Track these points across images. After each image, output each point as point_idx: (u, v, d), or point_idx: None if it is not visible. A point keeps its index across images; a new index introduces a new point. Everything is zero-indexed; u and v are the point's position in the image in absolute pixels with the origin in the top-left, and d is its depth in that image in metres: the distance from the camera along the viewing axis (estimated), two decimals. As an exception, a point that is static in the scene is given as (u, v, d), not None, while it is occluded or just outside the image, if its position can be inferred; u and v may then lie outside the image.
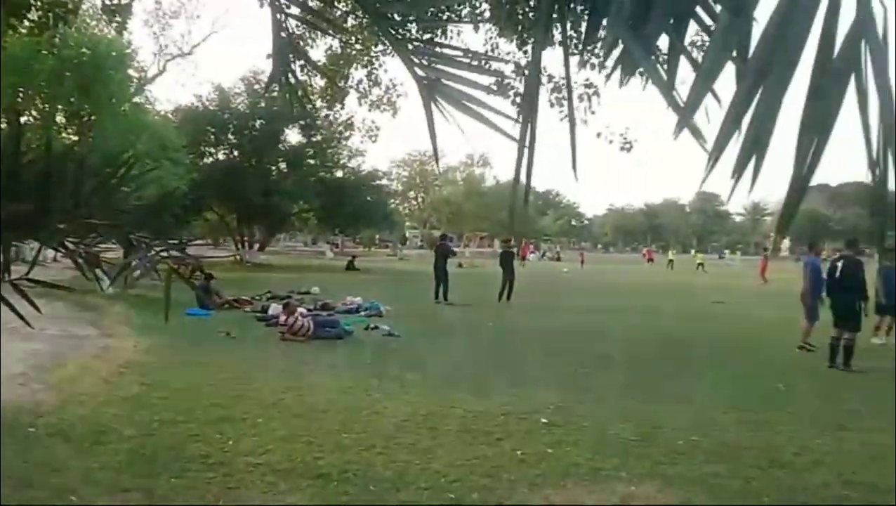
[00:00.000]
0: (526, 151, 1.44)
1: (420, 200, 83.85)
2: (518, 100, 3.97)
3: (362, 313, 14.05)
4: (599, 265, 52.21)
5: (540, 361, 9.69)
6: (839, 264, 10.21)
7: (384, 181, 46.17)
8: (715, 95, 1.14)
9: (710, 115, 1.16)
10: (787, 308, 14.02)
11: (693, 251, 51.15)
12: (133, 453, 5.05)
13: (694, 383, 8.40)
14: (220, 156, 34.61)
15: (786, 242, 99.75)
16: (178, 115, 32.51)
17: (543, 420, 6.25)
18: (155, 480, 4.56)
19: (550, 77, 6.06)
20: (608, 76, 1.74)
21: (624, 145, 6.64)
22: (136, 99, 25.22)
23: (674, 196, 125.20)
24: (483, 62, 2.72)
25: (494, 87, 3.31)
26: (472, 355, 10.02)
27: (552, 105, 5.95)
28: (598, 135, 6.41)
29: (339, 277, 27.45)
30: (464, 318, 14.73)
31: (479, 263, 39.60)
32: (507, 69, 4.85)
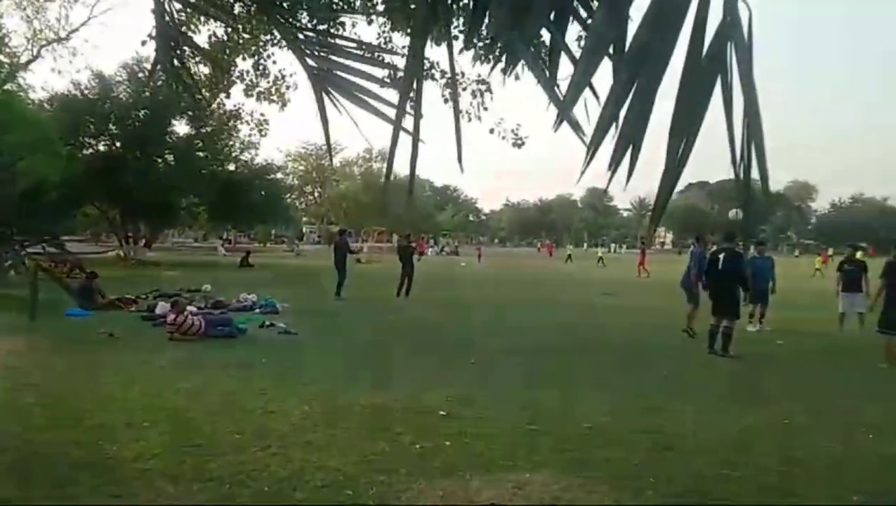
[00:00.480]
0: (392, 146, 1.43)
1: (317, 194, 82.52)
2: (413, 94, 3.95)
3: (257, 311, 13.68)
4: (496, 259, 53.21)
5: (439, 354, 9.76)
6: (720, 256, 10.83)
7: (279, 175, 45.08)
8: (593, 91, 1.17)
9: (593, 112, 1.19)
10: (672, 297, 14.81)
11: (598, 246, 53.52)
12: (8, 463, 4.71)
13: (588, 372, 8.72)
14: (101, 147, 32.62)
15: (669, 237, 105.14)
16: (54, 104, 30.44)
17: (442, 413, 6.30)
18: (34, 490, 4.27)
19: (444, 73, 6.11)
20: (491, 69, 1.76)
21: (516, 141, 6.77)
22: (8, 86, 23.39)
23: (566, 192, 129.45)
24: (376, 55, 2.70)
25: (388, 80, 3.29)
26: (370, 351, 9.97)
27: (446, 101, 6.00)
28: (491, 131, 6.51)
29: (233, 274, 26.62)
30: (363, 313, 14.62)
31: (379, 259, 39.43)
32: (401, 62, 4.84)
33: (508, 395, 7.18)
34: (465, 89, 6.02)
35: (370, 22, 4.54)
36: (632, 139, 1.01)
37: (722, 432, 6.03)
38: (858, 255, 16.05)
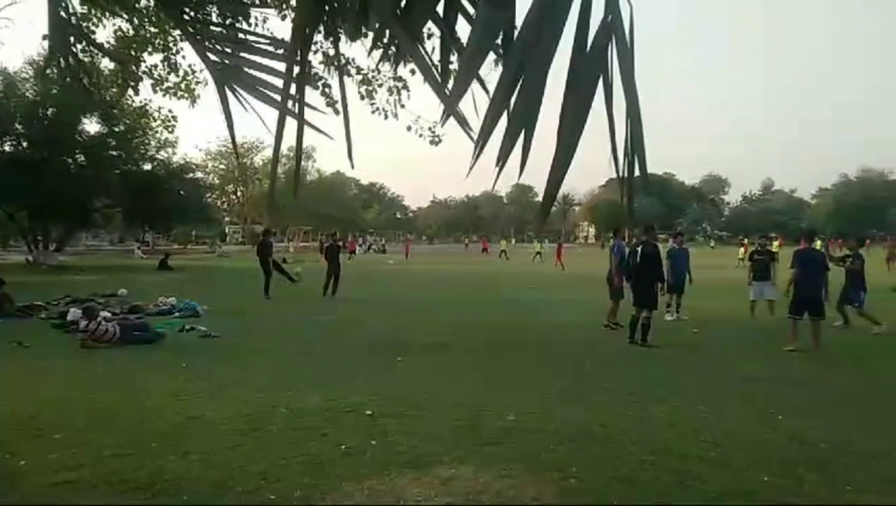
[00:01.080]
0: (292, 140, 1.41)
1: (240, 194, 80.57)
2: (328, 91, 3.92)
3: (176, 315, 13.26)
4: (425, 256, 53.29)
5: (365, 353, 9.71)
6: (639, 249, 11.15)
7: (198, 174, 43.74)
8: (483, 85, 1.18)
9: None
10: (594, 291, 15.18)
11: (537, 241, 54.66)
12: None
13: (512, 368, 8.84)
14: (7, 148, 30.89)
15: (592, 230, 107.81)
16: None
17: (368, 412, 6.27)
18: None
19: (359, 69, 6.02)
20: (378, 62, 1.75)
21: (433, 139, 6.78)
22: None
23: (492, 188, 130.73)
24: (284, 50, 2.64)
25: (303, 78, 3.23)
26: (296, 352, 9.81)
27: (362, 98, 5.91)
28: (409, 128, 6.50)
29: (151, 277, 25.71)
30: (289, 314, 14.38)
31: (305, 258, 38.87)
32: (316, 59, 4.76)
33: (434, 392, 7.21)
34: (381, 86, 5.98)
35: (284, 18, 4.45)
36: (518, 134, 1.02)
37: (642, 421, 6.22)
38: (818, 244, 16.81)
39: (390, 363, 8.87)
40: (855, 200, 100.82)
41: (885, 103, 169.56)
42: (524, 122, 1.02)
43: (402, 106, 5.95)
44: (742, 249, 42.35)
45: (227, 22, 2.87)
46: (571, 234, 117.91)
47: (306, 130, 1.82)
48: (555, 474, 4.79)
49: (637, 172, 1.09)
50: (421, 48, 1.24)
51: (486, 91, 1.21)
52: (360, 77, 5.95)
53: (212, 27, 2.00)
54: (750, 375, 8.39)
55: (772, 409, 6.63)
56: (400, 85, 5.70)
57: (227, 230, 79.93)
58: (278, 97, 1.78)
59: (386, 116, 6.13)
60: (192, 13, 2.20)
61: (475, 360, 9.33)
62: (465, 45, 1.29)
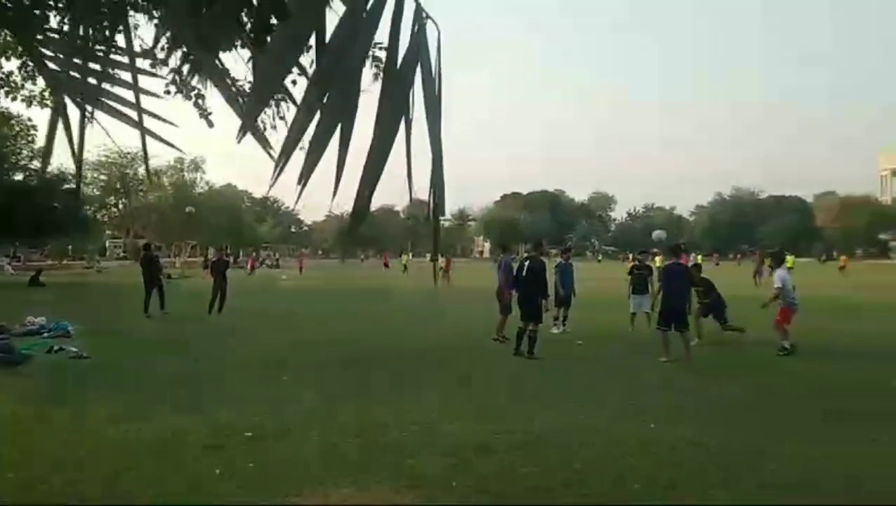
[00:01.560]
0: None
1: (122, 206, 76.52)
2: (200, 102, 3.80)
3: (45, 335, 12.39)
4: (320, 271, 52.43)
5: (249, 371, 9.42)
6: (526, 264, 11.41)
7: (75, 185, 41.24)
8: (292, 100, 1.17)
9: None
10: (484, 302, 15.43)
11: (402, 255, 55.00)
12: None
13: (396, 382, 8.81)
14: None
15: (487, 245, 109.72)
16: None
17: (248, 434, 6.07)
18: None
19: (234, 80, 5.85)
20: (172, 73, 1.71)
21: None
22: None
23: (389, 202, 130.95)
24: (155, 63, 2.53)
25: (171, 89, 3.12)
26: (173, 372, 9.36)
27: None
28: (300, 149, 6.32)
29: (21, 294, 23.97)
30: (171, 333, 13.76)
31: (192, 274, 37.37)
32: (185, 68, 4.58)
33: (318, 410, 7.08)
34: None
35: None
36: (321, 153, 1.03)
37: (525, 431, 6.35)
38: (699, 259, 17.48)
39: (275, 382, 8.65)
40: (728, 218, 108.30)
41: (750, 125, 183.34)
42: (321, 143, 1.02)
43: (282, 118, 5.82)
44: (629, 264, 44.44)
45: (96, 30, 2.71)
46: (468, 249, 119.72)
47: (193, 139, 1.75)
48: (437, 487, 4.82)
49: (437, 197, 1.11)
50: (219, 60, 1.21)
51: (294, 102, 1.20)
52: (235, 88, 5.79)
53: (47, 33, 1.89)
54: (626, 385, 8.75)
55: (646, 418, 6.93)
56: (279, 97, 5.55)
57: (107, 244, 75.68)
58: (122, 107, 1.71)
59: (265, 128, 5.98)
60: (32, 20, 2.07)
61: (358, 375, 9.22)
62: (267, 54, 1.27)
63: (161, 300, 16.94)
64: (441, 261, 33.78)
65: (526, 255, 12.30)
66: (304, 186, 1.01)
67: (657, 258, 20.78)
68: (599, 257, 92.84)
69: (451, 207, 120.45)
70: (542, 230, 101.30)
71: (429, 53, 1.01)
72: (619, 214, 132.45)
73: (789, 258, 42.57)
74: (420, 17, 0.96)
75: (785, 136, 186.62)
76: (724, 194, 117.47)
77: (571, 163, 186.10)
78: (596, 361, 10.67)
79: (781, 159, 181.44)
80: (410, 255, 69.63)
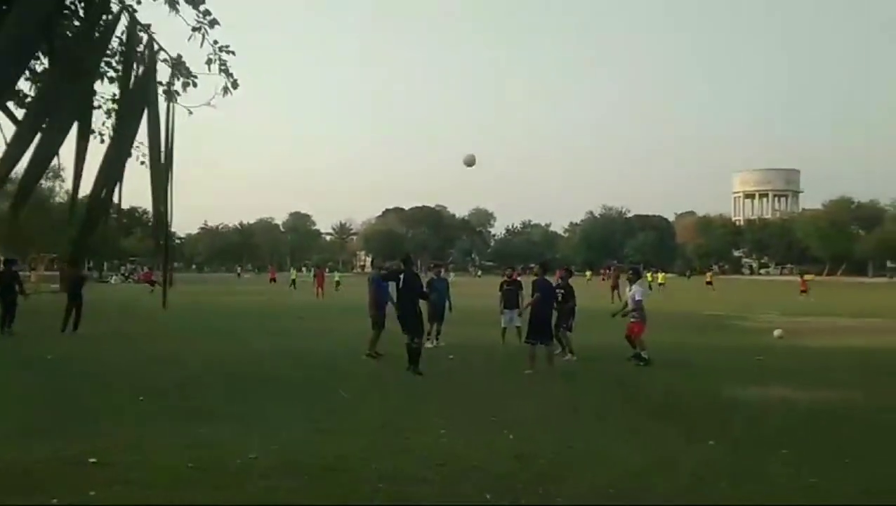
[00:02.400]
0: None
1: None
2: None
3: None
4: (190, 286, 50.08)
5: (99, 393, 8.88)
6: (401, 277, 11.40)
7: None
8: (10, 116, 1.12)
9: None
10: (358, 319, 15.32)
11: (335, 271, 54.39)
12: None
13: (259, 402, 8.50)
14: None
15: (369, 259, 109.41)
16: None
17: (92, 460, 5.70)
18: None
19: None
20: None
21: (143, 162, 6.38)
22: None
23: (268, 215, 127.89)
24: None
25: None
26: (15, 394, 8.66)
27: (109, 113, 5.42)
28: (138, 161, 6.05)
29: None
30: (19, 351, 12.72)
31: (53, 289, 34.73)
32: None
33: (172, 433, 6.74)
34: (99, 108, 5.53)
35: None
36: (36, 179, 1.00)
37: (388, 448, 6.34)
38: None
39: (129, 404, 8.17)
40: (599, 235, 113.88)
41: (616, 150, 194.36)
42: (37, 172, 1.00)
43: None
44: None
45: None
46: (349, 263, 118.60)
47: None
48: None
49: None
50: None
51: (16, 120, 1.14)
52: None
53: None
54: (490, 397, 8.97)
55: (504, 429, 7.10)
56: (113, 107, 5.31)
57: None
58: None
59: (102, 140, 5.67)
60: None
61: (217, 395, 8.87)
62: None
63: (10, 320, 15.63)
64: (306, 273, 33.52)
65: (402, 269, 12.32)
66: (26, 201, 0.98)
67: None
68: (479, 273, 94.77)
69: (332, 221, 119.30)
70: (425, 245, 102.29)
71: (155, 85, 1.00)
72: (498, 229, 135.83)
73: (660, 274, 45.40)
74: (134, 30, 0.95)
75: (649, 159, 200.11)
76: (595, 213, 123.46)
77: (452, 178, 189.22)
78: (462, 375, 10.86)
79: (646, 181, 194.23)
80: (304, 269, 67.57)
